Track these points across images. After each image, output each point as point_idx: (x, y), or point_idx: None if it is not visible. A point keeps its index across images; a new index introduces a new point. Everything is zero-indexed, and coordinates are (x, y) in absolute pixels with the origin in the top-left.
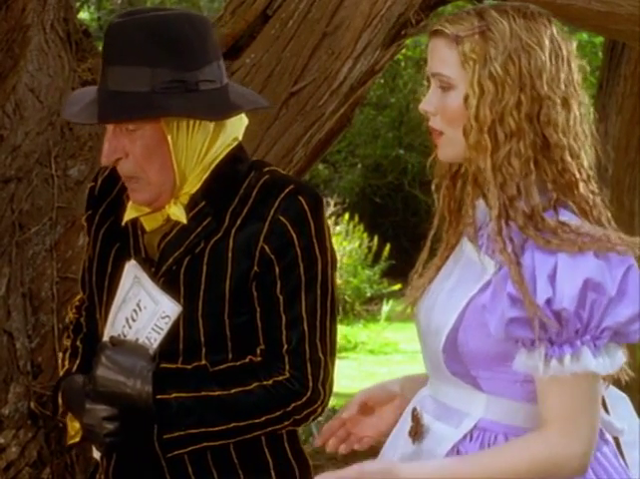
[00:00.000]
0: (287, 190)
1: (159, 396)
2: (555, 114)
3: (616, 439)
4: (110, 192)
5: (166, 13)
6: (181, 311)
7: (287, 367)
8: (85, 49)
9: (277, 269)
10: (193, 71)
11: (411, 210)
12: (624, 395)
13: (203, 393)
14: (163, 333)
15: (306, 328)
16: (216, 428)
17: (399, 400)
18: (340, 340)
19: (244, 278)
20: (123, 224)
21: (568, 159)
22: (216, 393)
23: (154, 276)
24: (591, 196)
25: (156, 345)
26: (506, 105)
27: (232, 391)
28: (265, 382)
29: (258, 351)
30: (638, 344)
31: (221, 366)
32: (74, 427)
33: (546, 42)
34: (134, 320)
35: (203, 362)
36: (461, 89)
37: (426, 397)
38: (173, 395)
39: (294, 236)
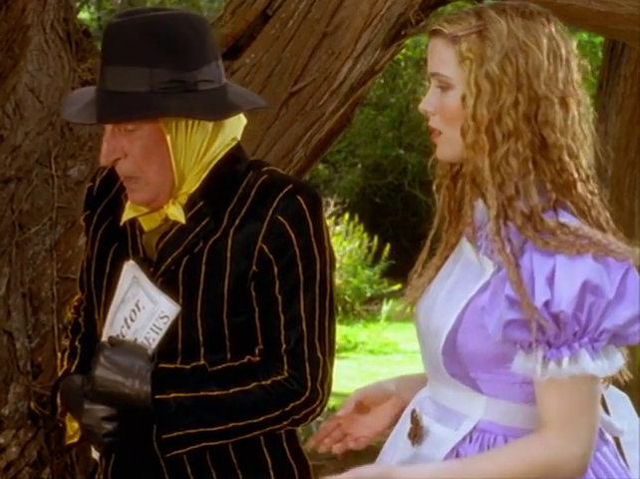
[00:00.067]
0: (286, 189)
1: (157, 396)
2: (553, 113)
3: (616, 439)
4: (108, 192)
5: (165, 13)
6: (180, 311)
7: (286, 367)
8: (85, 49)
9: (276, 269)
10: (192, 71)
11: (411, 210)
12: (624, 395)
13: (202, 393)
14: (162, 333)
15: (305, 328)
16: (215, 428)
17: (395, 399)
18: (340, 340)
19: (243, 278)
20: (121, 224)
21: (566, 158)
22: (215, 393)
23: (152, 276)
24: (590, 196)
25: (154, 345)
26: (504, 104)
27: (231, 391)
28: (264, 382)
29: (257, 351)
30: (638, 345)
31: (220, 366)
32: (73, 427)
33: (544, 41)
34: (132, 320)
35: (202, 362)
36: (458, 89)
37: (425, 399)
38: (172, 395)
39: (293, 235)
